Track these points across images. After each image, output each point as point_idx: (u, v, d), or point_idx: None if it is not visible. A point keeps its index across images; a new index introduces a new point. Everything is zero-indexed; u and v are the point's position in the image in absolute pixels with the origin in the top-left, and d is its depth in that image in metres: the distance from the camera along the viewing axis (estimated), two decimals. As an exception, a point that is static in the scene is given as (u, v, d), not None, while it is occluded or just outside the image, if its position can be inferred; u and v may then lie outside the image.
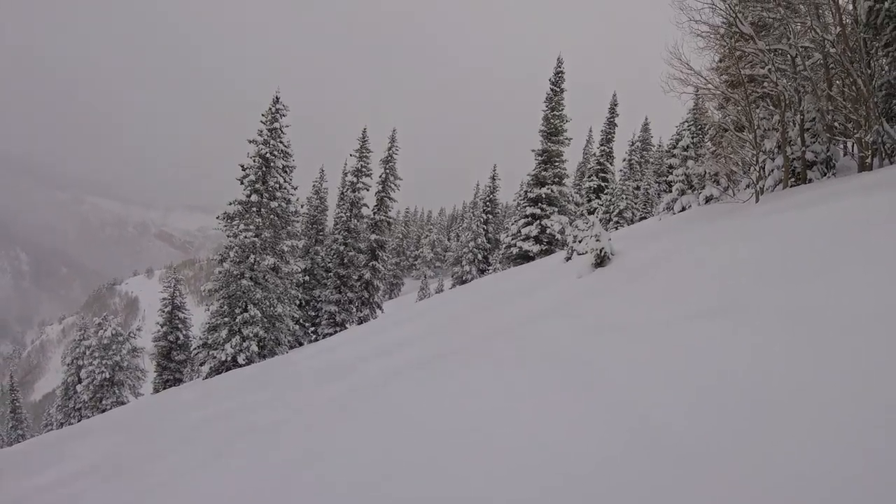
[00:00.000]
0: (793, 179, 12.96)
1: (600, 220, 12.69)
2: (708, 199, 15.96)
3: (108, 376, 32.13)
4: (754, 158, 12.68)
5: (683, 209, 18.14)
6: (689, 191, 18.46)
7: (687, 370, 3.94)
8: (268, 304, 24.41)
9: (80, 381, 33.13)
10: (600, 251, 11.59)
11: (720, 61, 14.38)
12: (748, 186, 14.10)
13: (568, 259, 16.83)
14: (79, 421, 30.74)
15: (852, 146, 13.65)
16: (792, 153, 12.93)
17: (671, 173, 22.11)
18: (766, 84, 12.94)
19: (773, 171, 13.24)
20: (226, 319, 23.68)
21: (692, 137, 20.13)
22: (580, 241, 16.87)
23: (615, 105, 41.90)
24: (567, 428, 3.65)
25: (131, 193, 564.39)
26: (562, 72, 32.76)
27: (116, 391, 32.43)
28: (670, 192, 22.04)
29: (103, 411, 29.72)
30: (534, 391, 4.68)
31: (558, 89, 32.72)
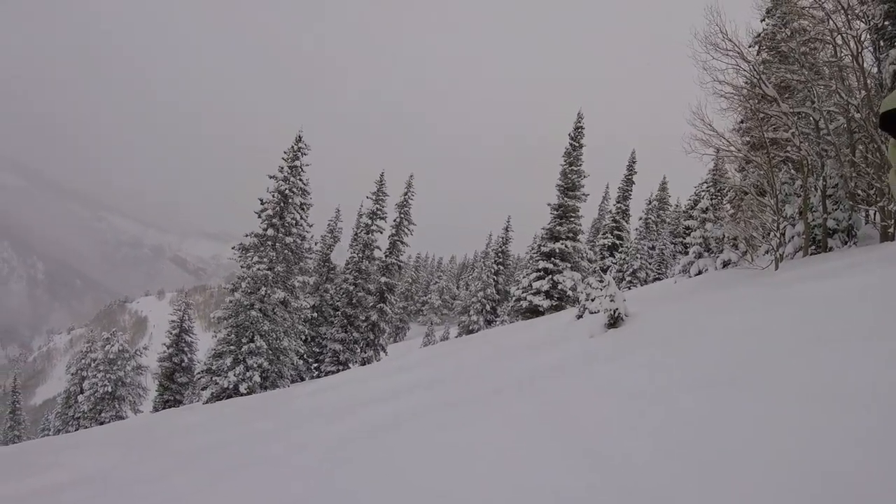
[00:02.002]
0: (813, 247, 12.85)
1: (614, 279, 12.57)
2: (725, 264, 15.84)
3: (109, 390, 32.22)
4: (775, 224, 12.59)
5: (700, 272, 18.02)
6: (707, 254, 18.36)
7: (693, 441, 3.84)
8: (274, 336, 24.44)
9: (81, 392, 33.21)
10: (614, 312, 11.44)
11: (742, 122, 14.43)
12: (767, 252, 14.00)
13: (579, 317, 16.64)
14: (76, 430, 30.76)
15: (875, 214, 13.46)
16: (813, 220, 12.84)
17: (688, 235, 22.08)
18: (789, 148, 12.94)
19: (793, 237, 13.14)
20: (232, 348, 23.75)
21: (711, 199, 20.14)
22: (593, 300, 16.69)
23: (633, 163, 41.97)
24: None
25: (150, 216, 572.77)
26: (581, 127, 33.06)
27: (116, 406, 32.49)
28: (687, 254, 21.93)
29: (101, 423, 29.64)
30: (533, 455, 4.57)
31: (577, 144, 32.95)
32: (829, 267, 10.07)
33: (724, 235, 16.12)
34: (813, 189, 12.74)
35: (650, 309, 12.35)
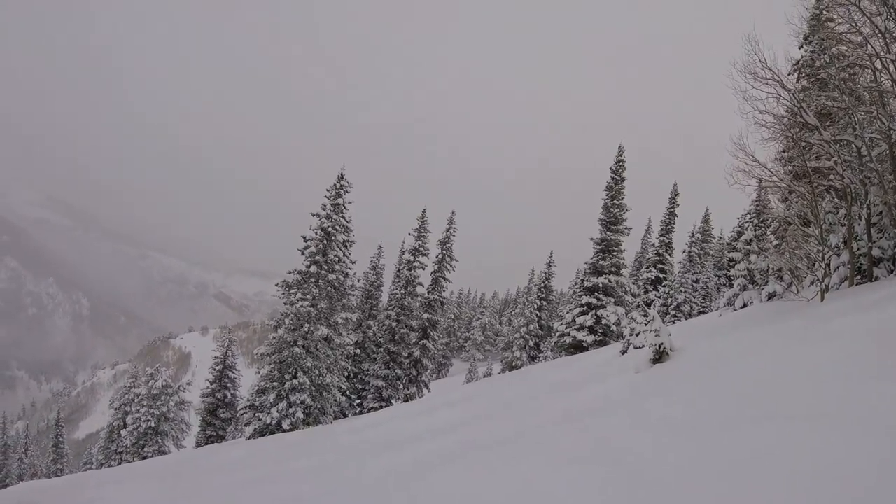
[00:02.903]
0: (858, 276, 12.52)
1: (658, 313, 12.43)
2: (770, 296, 15.44)
3: (153, 425, 32.73)
4: (819, 254, 12.29)
5: (745, 305, 17.58)
6: (751, 286, 17.91)
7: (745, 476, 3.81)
8: (317, 373, 24.67)
9: (125, 426, 33.80)
10: (659, 346, 11.29)
11: (784, 152, 14.22)
12: (812, 283, 13.67)
13: (623, 352, 16.43)
14: (118, 464, 31.41)
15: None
16: (858, 249, 12.52)
17: (732, 267, 21.57)
18: (832, 176, 12.71)
19: (838, 267, 12.81)
20: (275, 384, 24.01)
21: (755, 230, 19.75)
22: (637, 335, 16.44)
23: (675, 195, 41.34)
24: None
25: (195, 254, 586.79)
26: (622, 160, 32.83)
27: (159, 440, 32.99)
28: (730, 286, 21.43)
29: (144, 458, 30.23)
30: (579, 492, 4.57)
31: (619, 178, 32.74)
32: (875, 297, 9.82)
33: (768, 267, 15.75)
34: (857, 217, 12.46)
35: (696, 343, 12.19)
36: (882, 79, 11.85)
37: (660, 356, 11.24)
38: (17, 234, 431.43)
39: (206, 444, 33.16)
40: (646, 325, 12.61)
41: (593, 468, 5.09)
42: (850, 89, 12.05)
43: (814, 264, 12.82)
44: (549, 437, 6.99)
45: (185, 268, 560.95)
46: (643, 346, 14.69)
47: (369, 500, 6.06)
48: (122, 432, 33.47)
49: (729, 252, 31.53)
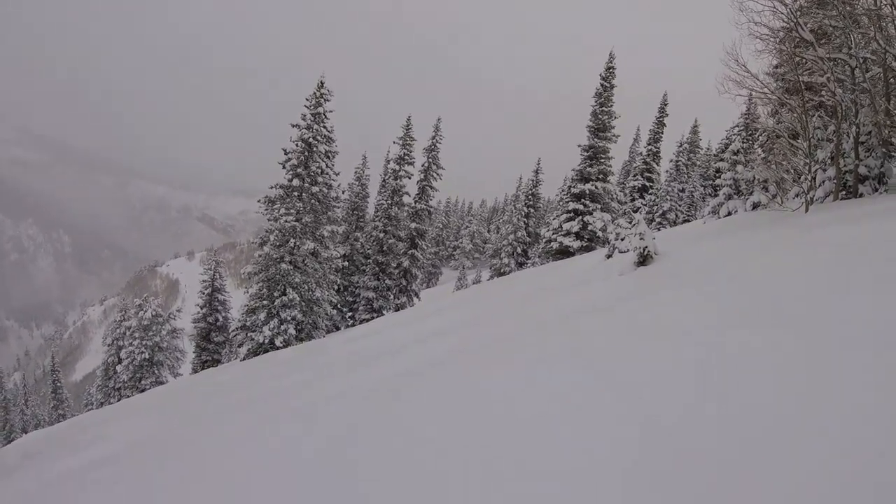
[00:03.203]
0: (843, 192, 12.55)
1: (643, 220, 12.43)
2: (755, 206, 15.50)
3: (147, 357, 32.75)
4: (806, 167, 12.23)
5: (729, 214, 17.68)
6: (737, 196, 17.94)
7: (728, 380, 3.81)
8: (306, 288, 24.61)
9: (119, 362, 33.79)
10: (644, 250, 11.32)
11: (777, 66, 13.89)
12: (797, 196, 13.67)
13: (609, 257, 16.57)
14: (118, 401, 31.29)
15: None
16: (844, 166, 12.50)
17: (718, 177, 21.56)
18: (823, 93, 12.49)
19: (823, 182, 12.81)
20: (264, 302, 23.96)
21: (743, 142, 19.57)
22: (622, 240, 16.57)
23: (665, 105, 40.83)
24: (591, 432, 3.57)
25: (176, 178, 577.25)
26: (612, 67, 32.09)
27: (156, 371, 33.10)
28: (716, 195, 21.47)
29: (142, 391, 30.34)
30: (560, 387, 4.62)
31: (608, 85, 32.09)
32: (860, 211, 9.81)
33: (754, 178, 15.71)
34: (846, 135, 12.34)
35: (680, 248, 12.19)
36: (882, 3, 11.46)
37: (644, 259, 11.30)
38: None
39: (203, 369, 33.32)
40: (631, 229, 12.63)
41: (575, 369, 5.14)
42: (849, 11, 11.64)
43: (800, 177, 12.78)
44: (535, 340, 7.04)
45: (166, 192, 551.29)
46: (628, 250, 14.83)
47: (365, 409, 6.15)
48: (118, 368, 33.41)
49: (716, 163, 31.38)
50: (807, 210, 11.91)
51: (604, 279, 11.83)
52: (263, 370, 15.29)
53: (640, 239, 11.42)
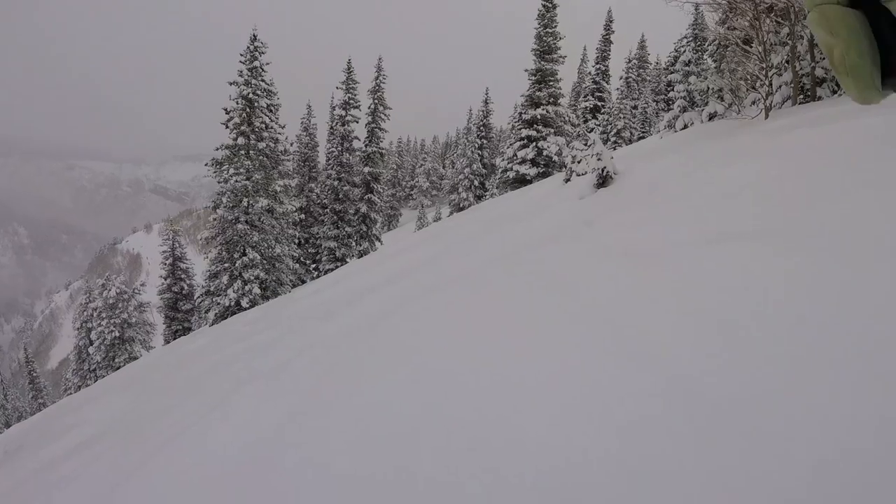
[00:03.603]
0: (801, 97, 12.41)
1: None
2: (711, 116, 15.34)
3: (117, 335, 32.69)
4: (762, 72, 11.99)
5: (686, 127, 17.53)
6: (692, 108, 17.79)
7: (710, 301, 3.58)
8: (266, 245, 24.33)
9: (91, 344, 33.65)
10: (602, 170, 11.12)
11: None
12: (754, 103, 13.55)
13: (567, 181, 16.39)
14: (95, 381, 31.19)
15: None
16: (801, 69, 12.29)
17: (671, 90, 21.35)
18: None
19: (780, 87, 12.65)
20: (226, 265, 23.75)
21: (693, 53, 19.29)
22: (579, 162, 16.31)
23: (610, 21, 40.06)
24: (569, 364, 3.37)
25: (122, 152, 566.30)
26: (553, -15, 31.19)
27: (128, 348, 33.02)
28: (669, 109, 21.31)
29: (117, 369, 30.15)
30: (527, 319, 4.42)
31: (550, 5, 31.22)
32: (821, 114, 9.66)
33: (708, 88, 15.49)
34: (800, 38, 12.10)
35: (640, 165, 11.97)
36: None
37: (603, 180, 11.13)
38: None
39: (174, 338, 33.45)
40: (587, 150, 12.43)
41: (540, 299, 4.97)
42: None
43: (755, 84, 12.59)
44: (499, 273, 6.84)
45: (114, 168, 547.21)
46: (585, 172, 14.65)
47: (337, 352, 5.97)
48: (90, 350, 33.35)
49: (667, 76, 31.13)
50: (766, 116, 11.74)
51: (563, 203, 11.63)
52: (232, 332, 15.00)
53: (598, 160, 11.21)
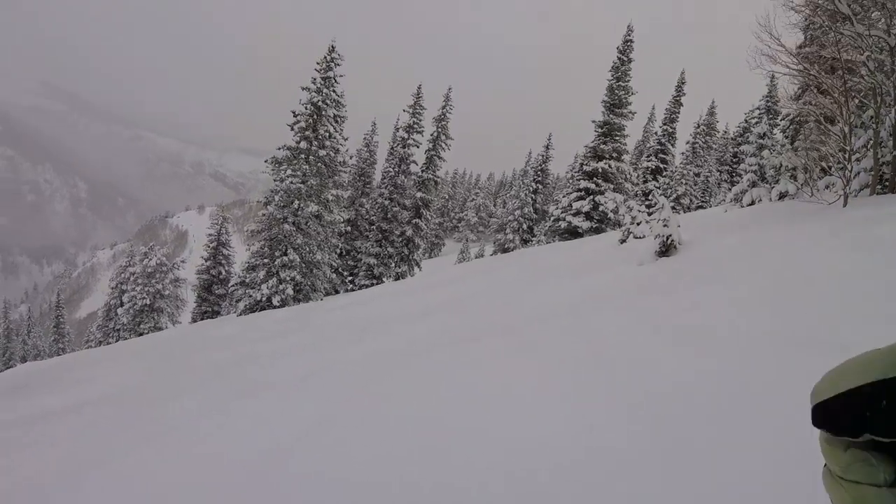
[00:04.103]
0: (880, 186, 11.64)
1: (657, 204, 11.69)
2: (782, 196, 14.69)
3: (148, 303, 33.54)
4: (846, 154, 11.29)
5: (752, 203, 16.82)
6: (761, 183, 17.17)
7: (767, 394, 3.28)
8: (307, 250, 24.61)
9: (121, 305, 34.64)
10: (667, 238, 10.57)
11: (800, 46, 12.97)
12: (827, 187, 12.89)
13: (622, 241, 15.95)
14: (116, 341, 32.01)
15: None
16: (882, 156, 11.59)
17: (738, 162, 20.76)
18: (863, 72, 11.58)
19: (859, 173, 11.91)
20: (265, 261, 24.11)
21: (769, 125, 18.67)
22: (639, 224, 15.91)
23: (682, 83, 39.32)
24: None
25: (190, 133, 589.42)
26: (631, 40, 30.92)
27: (155, 317, 33.88)
28: (733, 180, 20.73)
29: (140, 335, 30.81)
30: (571, 400, 4.09)
31: (626, 59, 30.96)
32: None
33: (780, 164, 14.90)
34: (883, 122, 11.40)
35: (705, 238, 11.36)
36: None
37: (667, 249, 10.61)
38: (11, 123, 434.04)
39: (202, 319, 33.94)
40: (650, 213, 11.95)
41: (580, 372, 4.64)
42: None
43: (831, 166, 11.97)
44: (534, 335, 6.47)
45: (180, 147, 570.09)
46: (644, 235, 14.08)
47: (345, 379, 5.72)
48: (119, 311, 34.32)
49: (735, 147, 30.45)
50: (845, 203, 10.94)
51: (620, 267, 11.09)
52: (258, 328, 14.96)
53: (664, 226, 10.70)
